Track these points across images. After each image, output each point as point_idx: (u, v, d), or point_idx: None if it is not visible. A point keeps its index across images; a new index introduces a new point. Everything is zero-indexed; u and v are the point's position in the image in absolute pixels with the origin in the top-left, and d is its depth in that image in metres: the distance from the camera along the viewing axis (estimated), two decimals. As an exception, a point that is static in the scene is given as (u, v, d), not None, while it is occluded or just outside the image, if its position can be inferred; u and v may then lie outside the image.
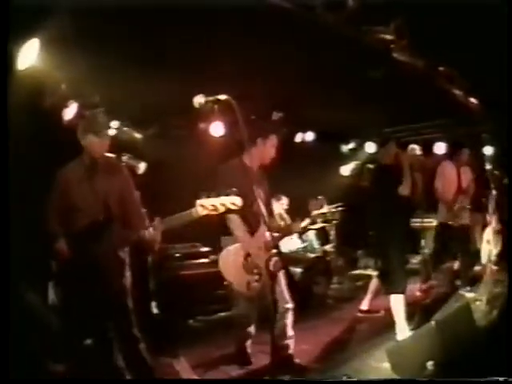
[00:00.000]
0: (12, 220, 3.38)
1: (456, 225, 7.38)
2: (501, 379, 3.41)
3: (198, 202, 3.53)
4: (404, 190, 5.77)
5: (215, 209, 3.50)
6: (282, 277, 5.07)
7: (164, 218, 3.87)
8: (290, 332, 5.08)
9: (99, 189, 4.16)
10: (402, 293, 5.74)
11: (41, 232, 4.28)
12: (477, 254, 7.65)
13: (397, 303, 5.72)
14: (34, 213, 4.39)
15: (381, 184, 6.00)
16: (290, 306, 5.06)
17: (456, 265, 7.85)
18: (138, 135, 7.13)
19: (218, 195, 3.50)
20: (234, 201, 3.51)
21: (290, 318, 5.07)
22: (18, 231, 3.74)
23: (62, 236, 4.16)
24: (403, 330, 5.64)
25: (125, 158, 5.56)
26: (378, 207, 5.97)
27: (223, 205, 3.50)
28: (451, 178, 7.52)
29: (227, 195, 3.52)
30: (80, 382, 4.13)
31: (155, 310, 6.70)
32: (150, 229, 3.86)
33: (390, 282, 5.82)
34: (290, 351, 5.10)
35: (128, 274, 4.29)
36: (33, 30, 4.49)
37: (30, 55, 4.65)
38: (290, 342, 5.10)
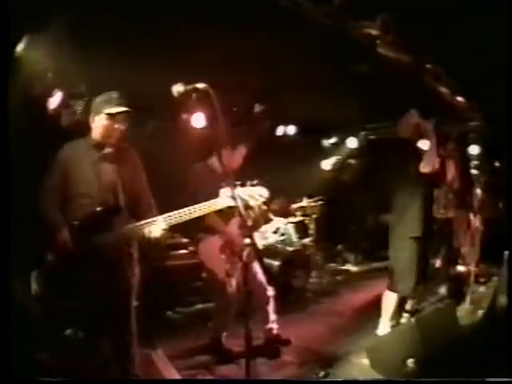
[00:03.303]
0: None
1: (441, 218, 7.27)
2: (503, 380, 3.40)
3: (224, 191, 3.59)
4: (426, 166, 5.23)
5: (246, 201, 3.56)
6: (257, 267, 5.24)
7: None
8: (273, 316, 5.54)
9: (107, 175, 3.90)
10: (404, 294, 5.56)
11: (30, 220, 4.08)
12: (459, 253, 7.65)
13: (390, 299, 5.52)
14: (24, 201, 4.22)
15: (396, 160, 5.61)
16: (270, 293, 5.47)
17: (438, 262, 7.81)
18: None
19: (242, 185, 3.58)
20: (261, 192, 3.69)
21: (271, 305, 5.50)
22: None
23: (63, 226, 3.76)
24: (385, 327, 5.60)
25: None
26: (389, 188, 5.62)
27: (251, 196, 3.62)
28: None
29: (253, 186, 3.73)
30: (80, 382, 3.97)
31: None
32: (153, 226, 3.66)
33: (397, 281, 5.45)
34: (275, 332, 5.57)
35: (137, 270, 4.08)
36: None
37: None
38: (274, 325, 5.56)
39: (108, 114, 3.85)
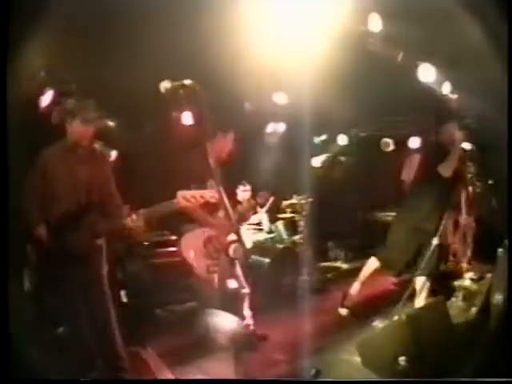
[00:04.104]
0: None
1: None
2: (503, 380, 3.38)
3: (180, 193, 3.74)
4: (446, 170, 5.59)
5: (195, 200, 3.72)
6: (237, 264, 5.29)
7: (139, 207, 3.97)
8: (247, 312, 5.53)
9: (79, 176, 4.18)
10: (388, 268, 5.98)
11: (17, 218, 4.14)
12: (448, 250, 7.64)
13: (371, 265, 6.21)
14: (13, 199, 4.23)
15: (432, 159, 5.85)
16: (246, 291, 5.46)
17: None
18: (110, 123, 7.01)
19: (198, 188, 3.75)
20: (212, 194, 3.72)
21: (246, 302, 5.50)
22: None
23: (41, 222, 4.11)
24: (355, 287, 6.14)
25: (96, 145, 5.49)
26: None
27: (202, 197, 3.72)
28: None
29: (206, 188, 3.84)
30: (80, 382, 4.07)
31: (124, 299, 6.64)
32: (133, 216, 3.91)
33: (385, 253, 6.08)
34: (251, 327, 5.57)
35: (105, 262, 4.30)
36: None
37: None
38: (250, 321, 5.56)
39: (83, 120, 4.12)
